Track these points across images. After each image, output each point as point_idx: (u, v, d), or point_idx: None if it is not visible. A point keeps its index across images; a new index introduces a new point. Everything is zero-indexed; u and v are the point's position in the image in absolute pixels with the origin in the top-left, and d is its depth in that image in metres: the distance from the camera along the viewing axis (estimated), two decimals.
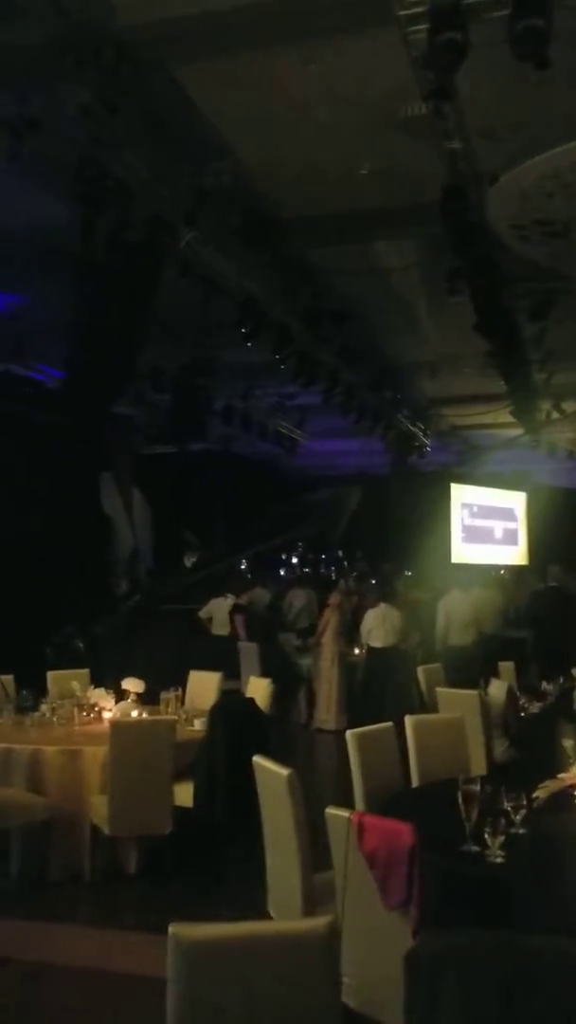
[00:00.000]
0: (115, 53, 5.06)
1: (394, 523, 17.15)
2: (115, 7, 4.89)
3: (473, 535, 17.38)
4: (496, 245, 7.18)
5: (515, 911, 2.99)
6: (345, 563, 19.63)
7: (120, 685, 6.30)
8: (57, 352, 8.85)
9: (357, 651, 10.88)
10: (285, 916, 3.74)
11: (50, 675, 6.87)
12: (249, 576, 15.22)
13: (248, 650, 11.10)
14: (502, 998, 1.99)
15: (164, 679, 6.54)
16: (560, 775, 3.93)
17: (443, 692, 6.59)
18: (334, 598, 11.01)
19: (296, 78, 5.49)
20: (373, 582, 13.99)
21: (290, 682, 10.63)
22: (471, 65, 4.44)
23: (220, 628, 11.74)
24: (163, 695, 6.32)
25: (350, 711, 10.24)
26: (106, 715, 6.07)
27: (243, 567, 16.69)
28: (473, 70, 4.59)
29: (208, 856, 5.59)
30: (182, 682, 6.76)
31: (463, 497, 17.36)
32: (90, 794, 5.40)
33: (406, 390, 13.21)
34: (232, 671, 9.68)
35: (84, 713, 6.11)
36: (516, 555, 18.18)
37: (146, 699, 6.29)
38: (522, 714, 6.22)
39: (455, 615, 10.27)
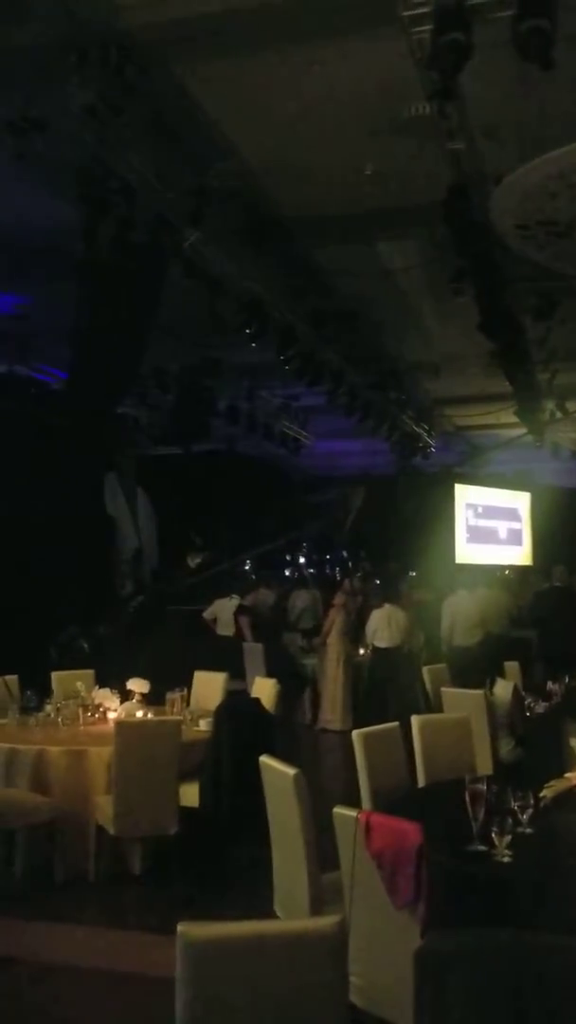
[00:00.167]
0: (119, 54, 5.07)
1: (398, 524, 17.14)
2: (119, 8, 4.90)
3: (477, 535, 17.35)
4: (500, 245, 7.18)
5: (522, 910, 2.99)
6: (350, 563, 19.60)
7: (125, 685, 6.30)
8: (61, 353, 8.85)
9: (362, 651, 10.88)
10: (292, 916, 3.73)
11: (55, 675, 6.88)
12: (253, 577, 15.22)
13: (253, 651, 11.09)
14: (510, 997, 1.99)
15: (169, 679, 6.54)
16: (566, 774, 3.93)
17: (449, 692, 6.59)
18: (339, 598, 11.01)
19: (300, 79, 5.50)
20: (377, 582, 13.97)
21: (295, 682, 10.63)
22: (475, 65, 4.44)
23: (225, 629, 11.75)
24: (168, 695, 6.33)
25: (355, 711, 10.24)
26: (111, 715, 6.07)
27: (247, 568, 16.69)
28: (477, 70, 4.60)
29: (214, 856, 5.57)
30: (187, 682, 6.75)
31: (467, 497, 17.33)
32: (95, 795, 5.40)
33: (410, 390, 13.20)
34: (237, 672, 9.68)
35: (89, 713, 6.12)
36: (520, 555, 18.15)
37: (151, 699, 6.30)
38: (528, 714, 6.21)
39: (460, 615, 10.26)
